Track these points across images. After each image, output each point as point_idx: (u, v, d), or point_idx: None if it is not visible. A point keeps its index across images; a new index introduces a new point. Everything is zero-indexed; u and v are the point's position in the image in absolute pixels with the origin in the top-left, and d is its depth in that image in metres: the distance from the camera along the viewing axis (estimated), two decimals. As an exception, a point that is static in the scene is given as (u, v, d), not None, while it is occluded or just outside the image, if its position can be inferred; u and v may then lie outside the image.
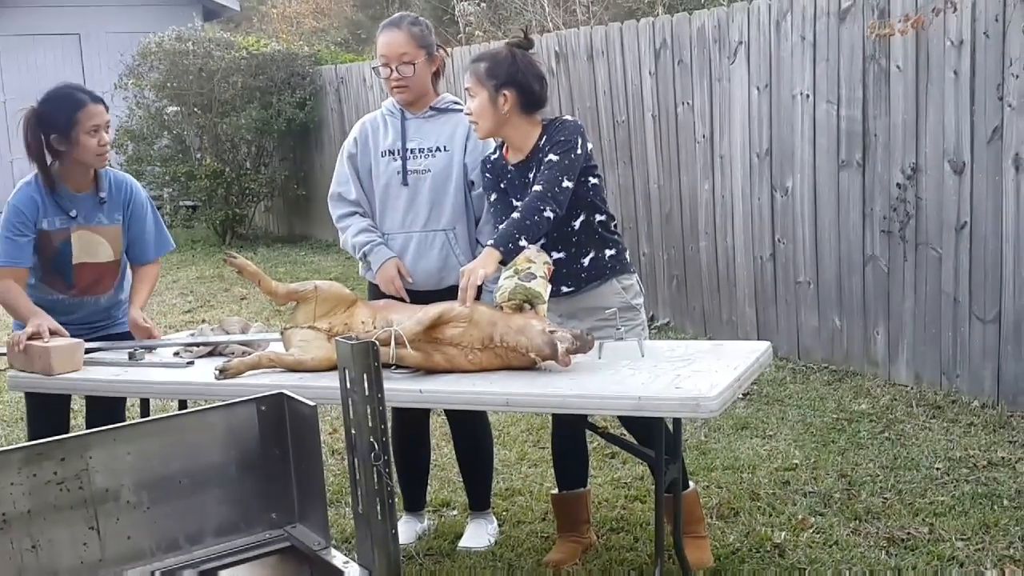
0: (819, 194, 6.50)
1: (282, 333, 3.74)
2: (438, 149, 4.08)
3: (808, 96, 6.45)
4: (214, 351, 4.01)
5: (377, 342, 3.33)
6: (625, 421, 3.88)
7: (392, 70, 4.04)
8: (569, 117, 3.85)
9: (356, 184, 4.17)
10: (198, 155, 13.39)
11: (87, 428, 4.07)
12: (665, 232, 7.75)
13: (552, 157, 3.67)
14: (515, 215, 3.61)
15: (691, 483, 4.06)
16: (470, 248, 4.08)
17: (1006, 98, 5.35)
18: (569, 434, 4.08)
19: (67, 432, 3.76)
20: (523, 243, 3.55)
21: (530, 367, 3.42)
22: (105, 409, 4.06)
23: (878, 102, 6.05)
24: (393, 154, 4.11)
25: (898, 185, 5.98)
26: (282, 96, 13.01)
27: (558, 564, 3.98)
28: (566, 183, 3.63)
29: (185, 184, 13.37)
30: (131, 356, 3.94)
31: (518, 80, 3.75)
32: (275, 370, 3.61)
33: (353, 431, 2.02)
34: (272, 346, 4.07)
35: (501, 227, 3.65)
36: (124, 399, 4.09)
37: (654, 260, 7.88)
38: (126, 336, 4.27)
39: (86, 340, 4.01)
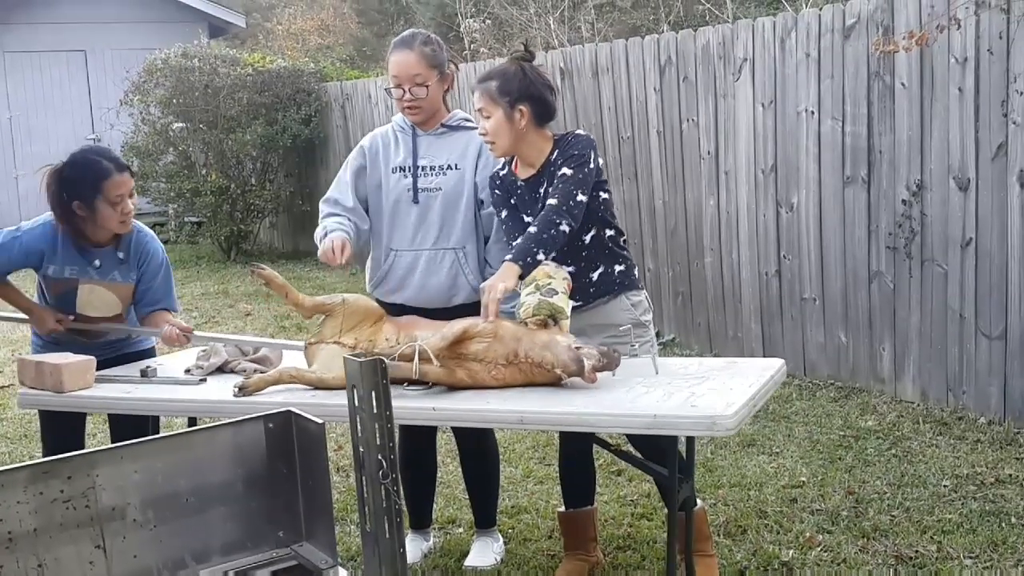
0: (824, 210, 6.50)
1: (306, 348, 3.72)
2: (449, 167, 4.05)
3: (813, 113, 6.46)
4: (223, 368, 4.01)
5: (402, 358, 3.35)
6: (632, 438, 3.86)
7: (405, 91, 3.99)
8: (581, 131, 3.84)
9: (354, 194, 4.13)
10: (203, 171, 13.43)
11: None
12: (670, 248, 7.75)
13: (566, 171, 3.66)
14: (531, 229, 3.59)
15: (699, 501, 4.05)
16: (479, 267, 4.06)
17: (1011, 115, 5.35)
18: (576, 452, 4.06)
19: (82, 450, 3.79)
20: (540, 257, 3.53)
21: (555, 383, 3.41)
22: (132, 428, 4.02)
23: (883, 119, 6.05)
24: (404, 171, 4.08)
25: (903, 201, 5.98)
26: (287, 112, 13.05)
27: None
28: (580, 197, 3.62)
29: (190, 200, 13.40)
30: (143, 374, 3.94)
31: (531, 93, 3.73)
32: (295, 386, 3.60)
33: (361, 449, 2.01)
34: (286, 356, 4.06)
35: (517, 242, 3.62)
36: (148, 418, 4.08)
37: (659, 276, 7.87)
38: (139, 355, 4.29)
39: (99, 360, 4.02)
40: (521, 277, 3.51)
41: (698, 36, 7.26)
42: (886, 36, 5.87)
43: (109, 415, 4.29)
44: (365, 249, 4.24)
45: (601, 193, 3.77)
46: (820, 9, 6.35)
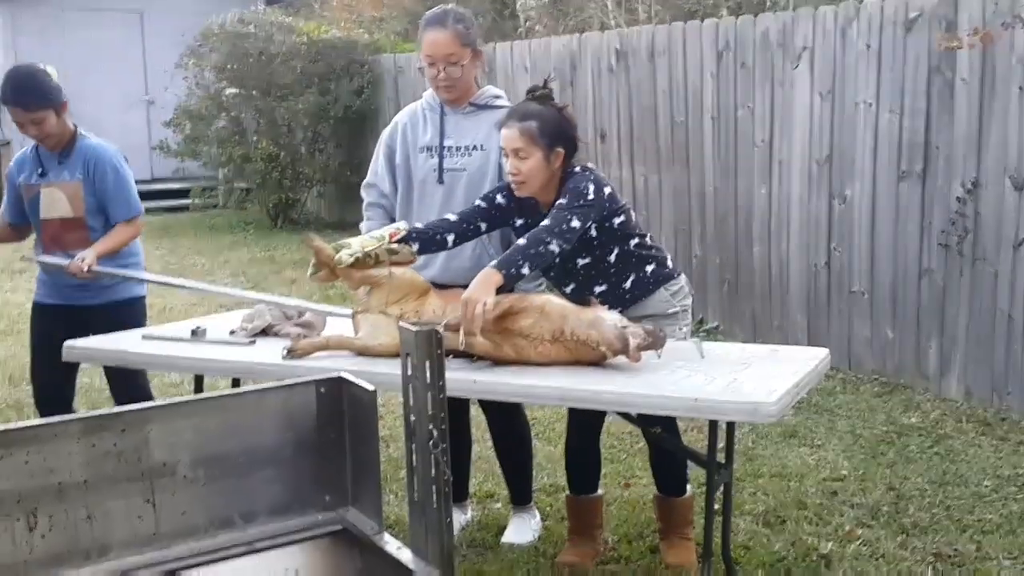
0: (877, 204, 6.44)
1: (353, 317, 3.74)
2: (475, 148, 4.04)
3: (871, 105, 6.39)
4: (267, 331, 4.03)
5: (449, 328, 3.35)
6: (641, 418, 3.81)
7: (439, 70, 3.98)
8: (579, 168, 3.74)
9: (390, 179, 4.20)
10: (254, 138, 13.47)
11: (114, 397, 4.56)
12: (719, 235, 7.71)
13: (561, 201, 3.61)
14: (520, 242, 3.54)
15: (688, 487, 4.04)
16: (503, 247, 4.04)
17: (1074, 115, 5.28)
18: (585, 437, 4.04)
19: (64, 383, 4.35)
20: (525, 270, 3.48)
21: (599, 362, 3.40)
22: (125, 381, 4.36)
23: (941, 114, 5.98)
24: (430, 151, 4.09)
25: (958, 199, 5.92)
26: (340, 83, 13.06)
27: (572, 565, 3.97)
28: (575, 223, 3.54)
29: (240, 166, 13.46)
30: (194, 333, 3.96)
31: (568, 135, 3.71)
32: (341, 353, 3.62)
33: (413, 417, 2.02)
34: (330, 322, 4.08)
35: (505, 253, 3.58)
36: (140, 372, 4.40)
37: (705, 263, 7.83)
38: (129, 302, 4.55)
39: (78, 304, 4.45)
40: (502, 289, 3.44)
41: (757, 23, 7.20)
42: (949, 31, 5.80)
43: (105, 369, 4.52)
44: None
45: (615, 219, 3.71)
46: (883, 1, 6.28)
